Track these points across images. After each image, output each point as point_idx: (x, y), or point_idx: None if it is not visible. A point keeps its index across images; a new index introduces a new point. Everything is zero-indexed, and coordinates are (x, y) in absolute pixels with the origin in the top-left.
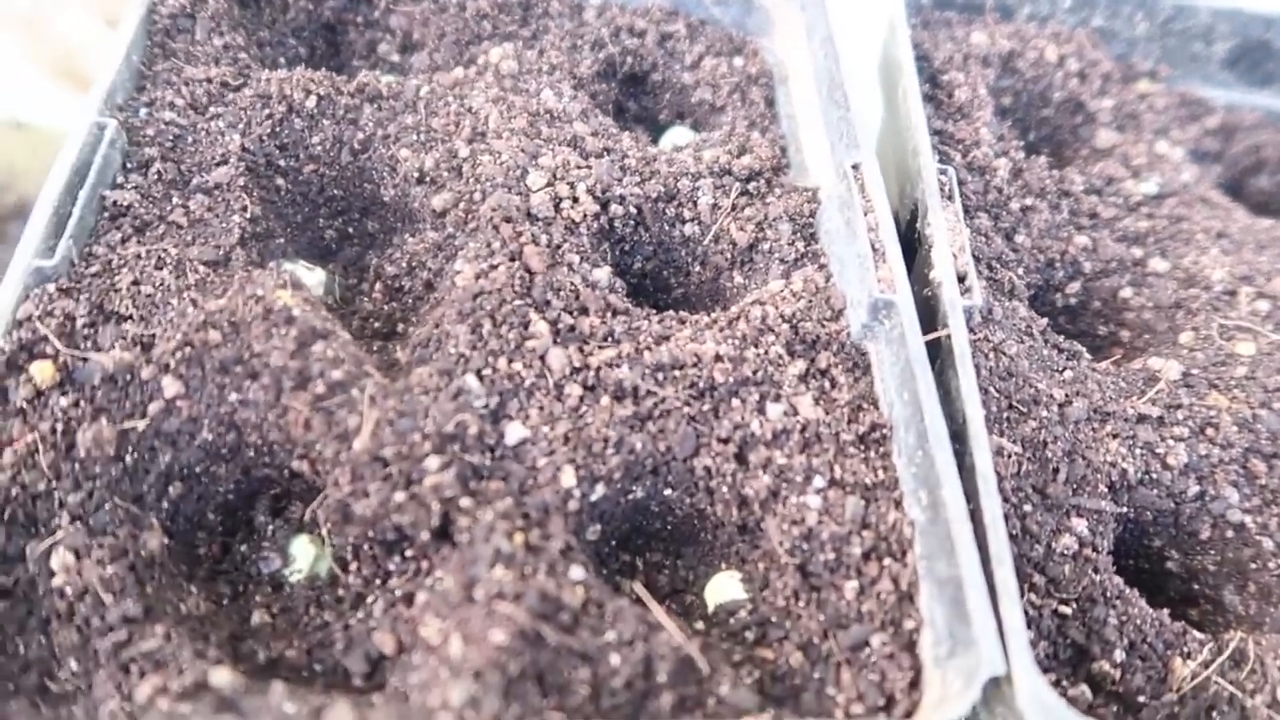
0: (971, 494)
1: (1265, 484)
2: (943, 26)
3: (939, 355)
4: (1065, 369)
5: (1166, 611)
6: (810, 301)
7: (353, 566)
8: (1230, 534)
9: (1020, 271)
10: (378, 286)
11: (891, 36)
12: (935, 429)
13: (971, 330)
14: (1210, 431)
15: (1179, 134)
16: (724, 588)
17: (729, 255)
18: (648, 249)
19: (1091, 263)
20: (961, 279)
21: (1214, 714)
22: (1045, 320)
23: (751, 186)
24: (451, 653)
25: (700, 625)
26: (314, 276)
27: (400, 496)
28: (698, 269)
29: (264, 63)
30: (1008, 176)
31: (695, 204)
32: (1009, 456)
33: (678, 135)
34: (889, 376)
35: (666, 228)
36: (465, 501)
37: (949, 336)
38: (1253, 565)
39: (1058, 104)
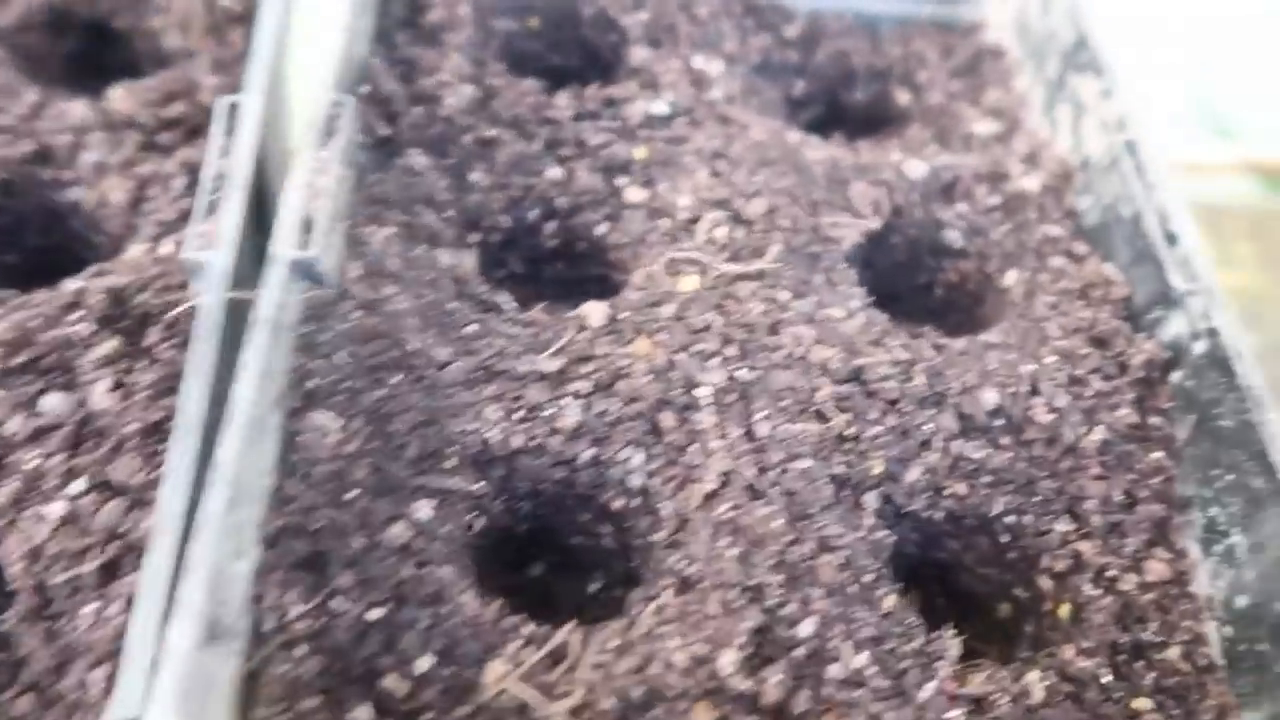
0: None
1: (672, 440)
2: None
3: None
4: (470, 323)
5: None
6: (163, 269)
7: None
8: (637, 503)
9: (453, 213)
10: None
11: None
12: (186, 411)
13: (322, 285)
14: (621, 384)
15: (735, 46)
16: None
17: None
18: None
19: (566, 198)
20: (309, 227)
21: None
22: (472, 267)
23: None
24: None
25: None
26: None
27: None
28: None
29: None
30: (465, 106)
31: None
32: (328, 436)
33: None
34: None
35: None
36: None
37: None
38: (652, 535)
39: (590, 22)
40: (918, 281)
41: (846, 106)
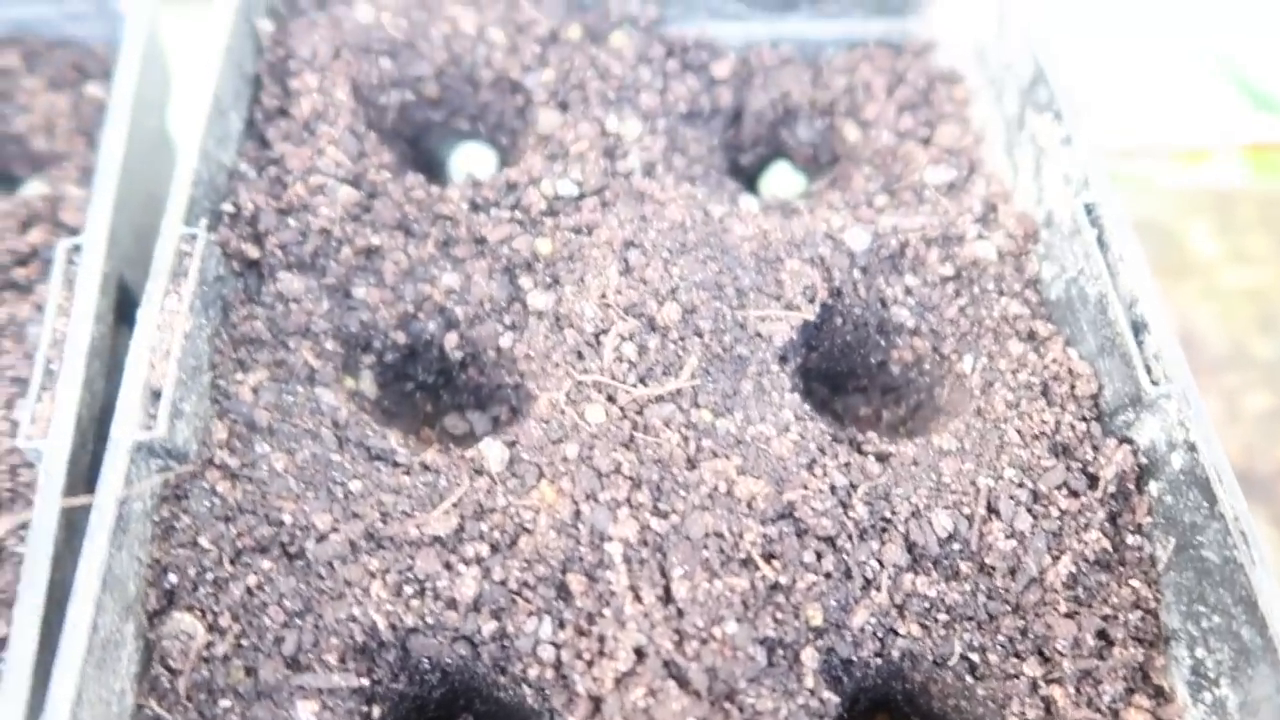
0: None
1: (582, 605)
2: (322, 8)
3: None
4: (355, 479)
5: None
6: (5, 442)
7: None
8: (550, 674)
9: (333, 344)
10: None
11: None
12: (18, 650)
13: (180, 462)
14: (523, 543)
15: (653, 100)
16: None
17: None
18: None
19: (463, 307)
20: (157, 397)
21: None
22: (351, 410)
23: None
24: None
25: None
26: None
27: None
28: None
29: None
30: (343, 212)
31: None
32: (193, 640)
33: None
34: None
35: None
36: None
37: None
38: (569, 716)
39: (490, 85)
40: (870, 360)
41: (791, 147)
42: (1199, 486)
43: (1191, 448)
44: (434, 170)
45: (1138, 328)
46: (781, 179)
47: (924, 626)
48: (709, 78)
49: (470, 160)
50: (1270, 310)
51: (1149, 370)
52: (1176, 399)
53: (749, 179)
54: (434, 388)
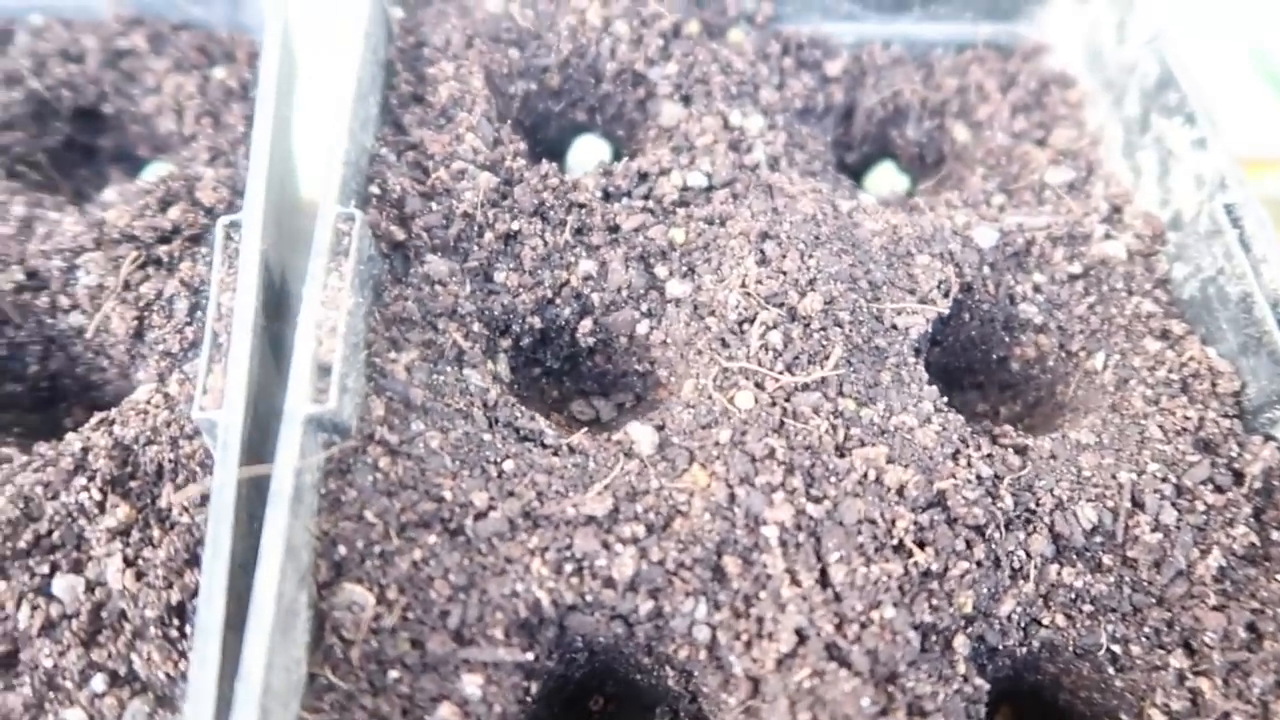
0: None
1: (738, 588)
2: None
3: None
4: (507, 458)
5: None
6: (172, 416)
7: None
8: (703, 655)
9: (477, 327)
10: None
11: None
12: (207, 610)
13: (344, 437)
14: (678, 524)
15: (772, 95)
16: None
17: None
18: None
19: (600, 294)
20: (326, 372)
21: None
22: (499, 391)
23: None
24: None
25: None
26: None
27: None
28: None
29: None
30: (484, 198)
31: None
32: (363, 612)
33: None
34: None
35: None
36: None
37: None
38: (724, 695)
39: (613, 77)
40: (991, 356)
41: (898, 146)
42: None
43: None
44: (551, 161)
45: None
46: (887, 178)
47: (1069, 617)
48: (822, 75)
49: (589, 152)
50: None
51: None
52: None
53: (854, 178)
54: (559, 374)
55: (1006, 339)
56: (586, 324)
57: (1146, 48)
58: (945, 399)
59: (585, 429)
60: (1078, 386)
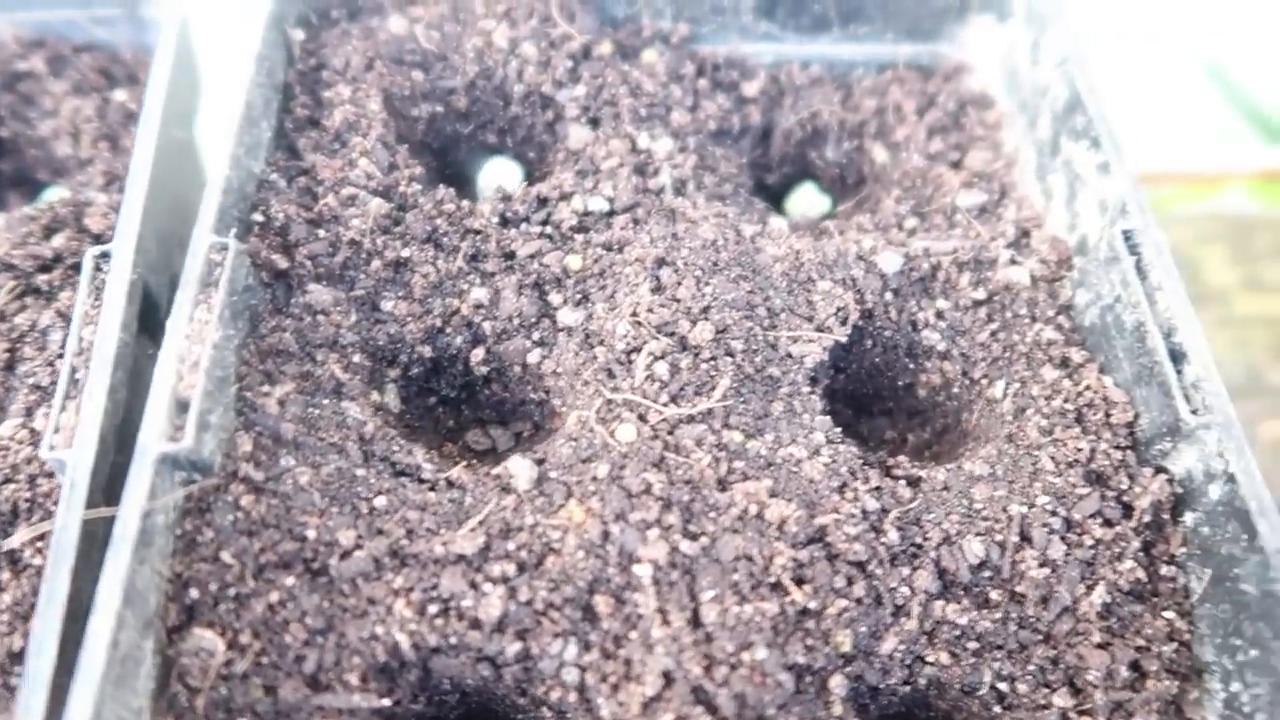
0: None
1: (609, 628)
2: (354, 18)
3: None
4: (380, 493)
5: None
6: (36, 453)
7: None
8: (573, 697)
9: (359, 358)
10: None
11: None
12: (36, 663)
13: (205, 475)
14: (550, 562)
15: (684, 117)
16: None
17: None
18: None
19: (491, 322)
20: (184, 408)
21: None
22: (378, 424)
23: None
24: None
25: None
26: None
27: None
28: None
29: None
30: (374, 224)
31: None
32: (212, 658)
33: None
34: None
35: None
36: None
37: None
38: None
39: (521, 99)
40: (897, 383)
41: (818, 168)
42: (1238, 518)
43: (1231, 479)
44: (459, 184)
45: (1176, 356)
46: (807, 200)
47: (953, 655)
48: (739, 96)
49: (498, 175)
50: None
51: (1188, 399)
52: (1217, 429)
53: (774, 199)
54: (456, 402)
55: (911, 365)
56: (479, 353)
57: (1057, 70)
58: (843, 429)
59: (465, 463)
60: (980, 415)
